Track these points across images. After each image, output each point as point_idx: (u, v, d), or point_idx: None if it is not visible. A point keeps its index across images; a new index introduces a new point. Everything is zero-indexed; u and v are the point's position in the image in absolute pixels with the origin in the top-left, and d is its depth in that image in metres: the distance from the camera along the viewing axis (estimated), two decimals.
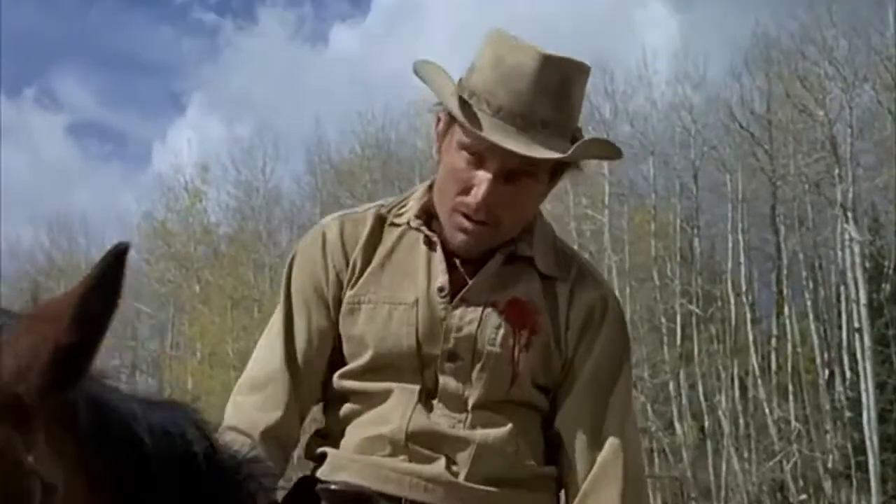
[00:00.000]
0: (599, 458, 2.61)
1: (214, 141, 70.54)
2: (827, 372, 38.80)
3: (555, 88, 2.50)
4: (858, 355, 35.70)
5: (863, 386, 34.81)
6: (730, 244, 41.60)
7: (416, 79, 2.63)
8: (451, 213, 2.59)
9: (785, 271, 40.81)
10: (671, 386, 39.23)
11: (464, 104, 2.48)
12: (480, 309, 2.59)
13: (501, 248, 2.63)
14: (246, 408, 2.65)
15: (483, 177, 2.50)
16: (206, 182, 47.38)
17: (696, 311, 41.30)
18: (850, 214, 36.26)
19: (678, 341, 40.24)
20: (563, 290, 2.68)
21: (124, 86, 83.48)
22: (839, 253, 38.27)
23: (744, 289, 41.33)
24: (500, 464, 2.57)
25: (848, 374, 37.63)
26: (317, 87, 61.74)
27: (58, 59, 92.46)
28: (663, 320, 40.53)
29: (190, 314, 47.34)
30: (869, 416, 34.16)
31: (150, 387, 52.00)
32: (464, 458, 2.56)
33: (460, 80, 2.58)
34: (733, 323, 41.27)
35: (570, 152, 2.48)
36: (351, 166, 45.70)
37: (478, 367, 2.58)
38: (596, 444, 2.62)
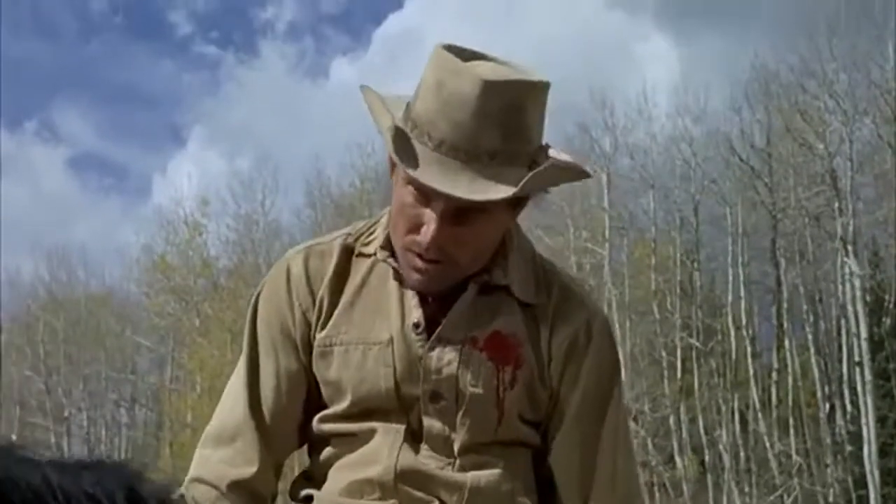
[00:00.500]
0: (593, 493, 2.50)
1: (215, 174, 70.58)
2: (828, 406, 38.71)
3: (502, 115, 2.25)
4: (859, 389, 35.60)
5: (864, 420, 34.70)
6: (730, 277, 41.57)
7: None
8: (403, 251, 2.40)
9: (785, 305, 40.75)
10: (671, 420, 39.11)
11: (401, 139, 2.28)
12: (459, 347, 2.41)
13: (474, 278, 2.44)
14: (213, 462, 2.47)
15: (430, 216, 2.31)
16: (206, 215, 47.37)
17: (697, 344, 41.23)
18: (850, 248, 36.22)
19: (678, 375, 40.16)
20: (544, 317, 2.49)
21: (125, 119, 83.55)
22: (840, 286, 38.21)
23: (744, 322, 41.29)
24: None
25: (849, 407, 37.52)
26: (317, 121, 61.81)
27: (58, 91, 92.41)
28: (663, 354, 40.47)
29: (189, 347, 47.20)
30: (870, 450, 34.02)
31: (150, 420, 52.11)
32: (456, 501, 2.41)
33: (408, 104, 2.36)
34: (734, 356, 41.20)
35: (520, 185, 2.25)
36: (351, 200, 45.65)
37: (462, 409, 2.41)
38: (587, 481, 2.51)
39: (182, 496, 2.29)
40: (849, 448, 36.96)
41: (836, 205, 36.74)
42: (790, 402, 39.98)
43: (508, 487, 2.45)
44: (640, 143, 42.39)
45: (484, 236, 2.40)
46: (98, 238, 74.19)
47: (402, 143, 2.29)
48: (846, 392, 37.72)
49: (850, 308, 36.94)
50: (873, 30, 37.93)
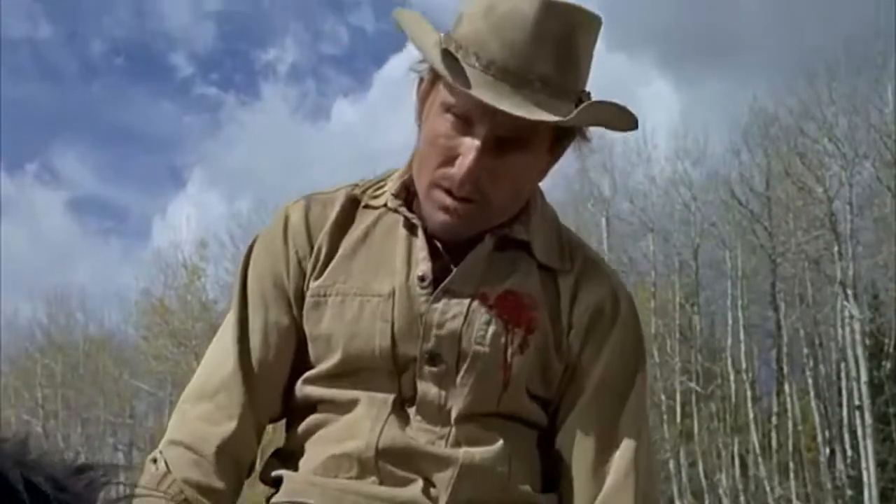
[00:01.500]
0: (607, 486, 2.19)
1: (215, 216, 70.77)
2: (828, 450, 38.62)
3: (557, 40, 2.05)
4: (859, 433, 35.54)
5: (864, 464, 34.63)
6: (730, 321, 41.52)
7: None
8: (430, 188, 2.15)
9: (785, 349, 40.70)
10: (671, 464, 38.99)
11: (448, 57, 2.05)
12: (467, 302, 2.16)
13: (492, 231, 2.20)
14: (192, 419, 2.22)
15: (470, 144, 2.07)
16: (205, 258, 47.38)
17: (697, 388, 41.16)
18: (850, 292, 36.23)
19: (678, 419, 40.06)
20: (566, 284, 2.24)
21: (125, 161, 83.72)
22: (839, 330, 38.19)
23: (744, 366, 41.22)
24: (488, 487, 2.14)
25: (849, 452, 37.45)
26: (318, 163, 61.86)
27: (59, 133, 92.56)
28: (663, 398, 40.37)
29: None
30: (870, 495, 33.93)
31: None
32: (444, 479, 2.13)
33: (447, 32, 2.14)
34: (733, 400, 41.12)
35: (572, 115, 2.03)
36: None
37: (463, 370, 2.14)
38: (603, 468, 2.19)
39: (155, 461, 2.19)
40: (849, 493, 36.86)
41: (836, 248, 36.77)
42: (790, 447, 39.87)
43: (505, 469, 2.17)
44: (639, 186, 42.49)
45: (522, 175, 2.16)
46: (97, 281, 74.26)
47: (450, 63, 2.05)
48: (846, 436, 37.65)
49: (850, 352, 36.91)
50: (873, 73, 38.09)
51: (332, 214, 2.29)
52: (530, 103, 2.03)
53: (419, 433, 2.15)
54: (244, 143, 74.40)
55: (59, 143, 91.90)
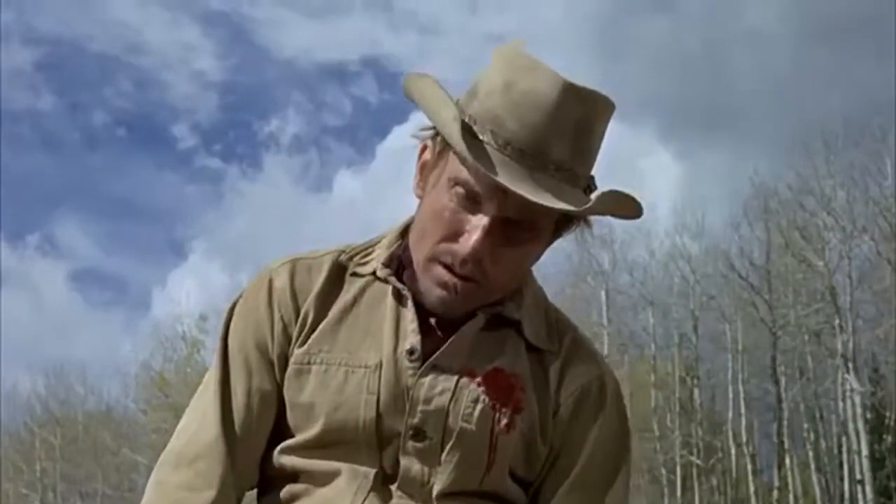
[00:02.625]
0: None
1: (216, 288, 70.49)
2: None
3: (575, 125, 2.00)
4: None
5: None
6: (730, 394, 41.45)
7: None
8: (430, 262, 2.08)
9: (786, 422, 40.58)
10: None
11: (468, 134, 1.97)
12: (455, 378, 2.07)
13: (484, 308, 2.12)
14: (172, 487, 2.13)
15: (476, 223, 2.00)
16: (205, 331, 47.32)
17: (697, 462, 41.02)
18: (850, 365, 36.18)
19: (679, 493, 39.89)
20: (554, 366, 2.18)
21: (126, 232, 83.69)
22: (840, 403, 38.11)
23: (745, 439, 41.11)
24: None
25: None
26: (320, 234, 61.91)
27: (60, 204, 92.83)
28: (664, 471, 40.23)
29: None
30: None
31: None
32: None
33: (457, 101, 2.06)
34: (734, 474, 40.98)
35: (589, 205, 1.98)
36: None
37: (448, 447, 2.06)
38: None
39: None
40: None
41: (836, 321, 36.77)
42: None
43: None
44: (638, 259, 42.55)
45: (523, 259, 2.11)
46: (97, 353, 74.23)
47: (467, 137, 1.97)
48: None
49: (850, 425, 36.81)
50: (871, 146, 38.28)
51: (319, 280, 2.20)
52: (544, 188, 1.96)
53: None
54: (246, 215, 74.56)
55: (61, 214, 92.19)
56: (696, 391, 42.74)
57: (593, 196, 2.00)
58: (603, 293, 41.36)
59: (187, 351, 47.22)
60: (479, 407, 2.07)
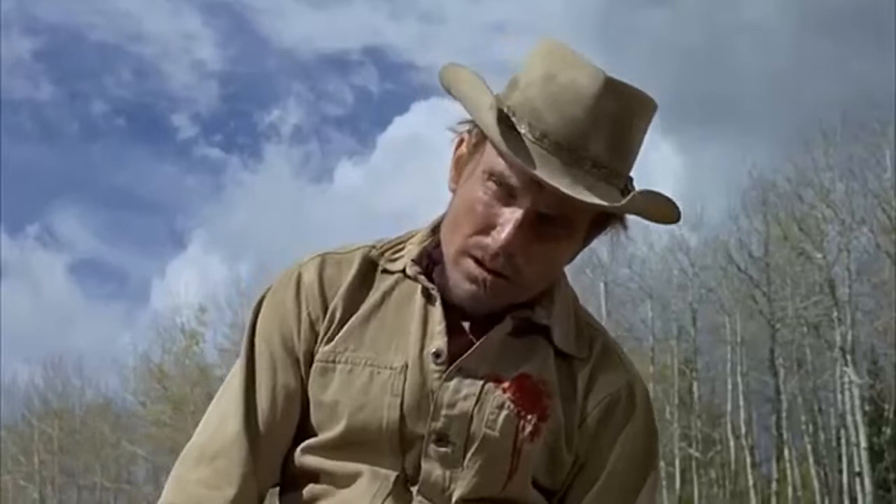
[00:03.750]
0: None
1: (215, 279, 70.75)
2: None
3: (614, 121, 1.96)
4: (860, 499, 35.42)
5: None
6: (729, 387, 41.47)
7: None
8: (460, 256, 2.03)
9: (784, 414, 40.59)
10: None
11: (505, 124, 1.93)
12: (480, 383, 2.03)
13: (513, 312, 2.07)
14: (191, 482, 2.10)
15: (510, 216, 1.96)
16: (203, 324, 47.35)
17: (696, 454, 41.06)
18: (849, 357, 36.20)
19: (678, 485, 39.93)
20: (583, 373, 2.12)
21: (126, 223, 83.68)
22: (839, 396, 38.14)
23: (743, 432, 41.13)
24: None
25: None
26: (320, 225, 61.58)
27: (59, 195, 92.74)
28: (662, 464, 40.20)
29: None
30: None
31: None
32: None
33: (497, 94, 2.01)
34: (733, 467, 41.02)
35: (624, 202, 1.93)
36: None
37: (470, 453, 2.02)
38: None
39: None
40: None
41: (835, 314, 36.79)
42: None
43: None
44: (637, 252, 42.54)
45: (556, 257, 2.06)
46: (97, 344, 74.18)
47: (507, 129, 1.93)
48: (846, 503, 37.45)
49: (849, 418, 36.84)
50: (870, 139, 38.25)
51: (348, 277, 2.15)
52: (580, 184, 1.92)
53: None
54: (246, 206, 74.37)
55: (60, 205, 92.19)
56: (694, 383, 42.77)
57: (632, 195, 1.94)
58: (602, 286, 41.39)
59: (186, 343, 47.18)
60: (503, 413, 2.03)
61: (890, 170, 37.22)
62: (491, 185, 1.98)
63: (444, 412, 2.03)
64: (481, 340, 2.05)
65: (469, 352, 2.04)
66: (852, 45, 59.34)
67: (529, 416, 2.04)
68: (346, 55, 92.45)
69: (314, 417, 2.12)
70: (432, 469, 2.04)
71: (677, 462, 40.21)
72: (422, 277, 2.11)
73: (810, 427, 40.52)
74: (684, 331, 42.94)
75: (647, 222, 2.05)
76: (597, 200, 1.90)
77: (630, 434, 2.15)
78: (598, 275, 41.77)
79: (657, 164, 57.55)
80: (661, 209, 2.00)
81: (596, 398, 2.12)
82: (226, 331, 47.34)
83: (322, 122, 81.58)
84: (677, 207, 2.00)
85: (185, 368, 46.89)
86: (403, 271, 2.14)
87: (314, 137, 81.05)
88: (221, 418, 2.15)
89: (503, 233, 1.95)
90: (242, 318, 47.72)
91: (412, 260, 2.13)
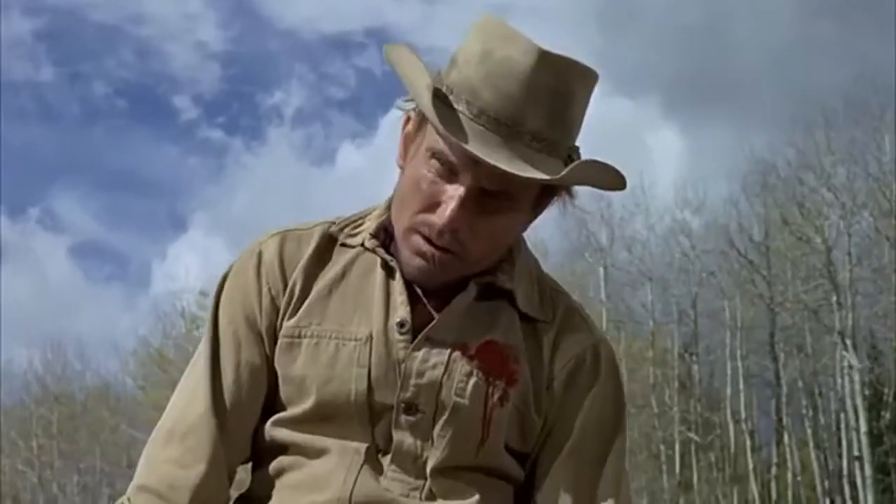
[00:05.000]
0: None
1: (216, 263, 70.55)
2: (828, 501, 38.53)
3: (551, 94, 1.98)
4: (859, 484, 35.48)
5: None
6: (729, 371, 41.51)
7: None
8: (408, 233, 2.07)
9: (784, 398, 40.67)
10: None
11: (439, 102, 1.97)
12: (448, 351, 2.07)
13: (476, 278, 2.11)
14: (161, 462, 2.13)
15: (453, 193, 2.00)
16: (204, 308, 47.31)
17: (696, 438, 41.11)
18: (849, 341, 36.23)
19: (677, 469, 39.98)
20: (548, 335, 2.17)
21: (128, 205, 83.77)
22: (839, 380, 38.18)
23: (743, 416, 41.20)
24: None
25: (849, 502, 37.30)
26: (323, 208, 61.42)
27: (60, 177, 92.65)
28: (662, 448, 40.32)
29: None
30: None
31: None
32: None
33: (438, 72, 2.05)
34: (733, 451, 41.07)
35: (562, 174, 1.95)
36: None
37: (441, 422, 2.06)
38: None
39: None
40: None
41: (835, 298, 36.80)
42: (790, 498, 39.79)
43: None
44: (637, 235, 42.54)
45: (502, 230, 2.09)
46: (97, 329, 74.12)
47: (441, 108, 1.96)
48: (846, 487, 37.53)
49: (849, 402, 36.88)
50: (871, 123, 38.23)
51: (308, 251, 2.20)
52: (520, 158, 1.95)
53: (393, 483, 2.07)
54: (248, 188, 74.38)
55: (62, 188, 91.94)
56: (694, 367, 42.82)
57: (570, 166, 1.97)
58: (601, 269, 41.38)
59: (186, 327, 47.24)
60: (472, 381, 2.06)
61: (890, 154, 37.23)
62: (434, 162, 2.02)
63: (412, 382, 2.06)
64: (446, 309, 2.09)
65: (435, 321, 2.08)
66: (854, 27, 59.31)
67: (498, 382, 2.08)
68: (349, 36, 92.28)
69: (283, 392, 2.15)
70: (403, 439, 2.07)
71: (677, 446, 40.25)
72: (380, 250, 2.15)
73: (810, 411, 40.57)
74: (684, 315, 42.99)
75: (615, 196, 2.05)
76: (533, 174, 1.94)
77: (597, 396, 2.17)
78: (597, 258, 41.76)
79: (659, 147, 57.63)
80: (604, 177, 2.04)
81: (561, 361, 2.16)
82: None
83: (325, 104, 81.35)
84: (620, 174, 2.02)
85: (185, 353, 46.90)
86: (363, 245, 2.17)
87: (317, 119, 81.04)
88: (189, 397, 2.18)
89: (447, 210, 1.99)
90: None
91: (370, 234, 2.17)
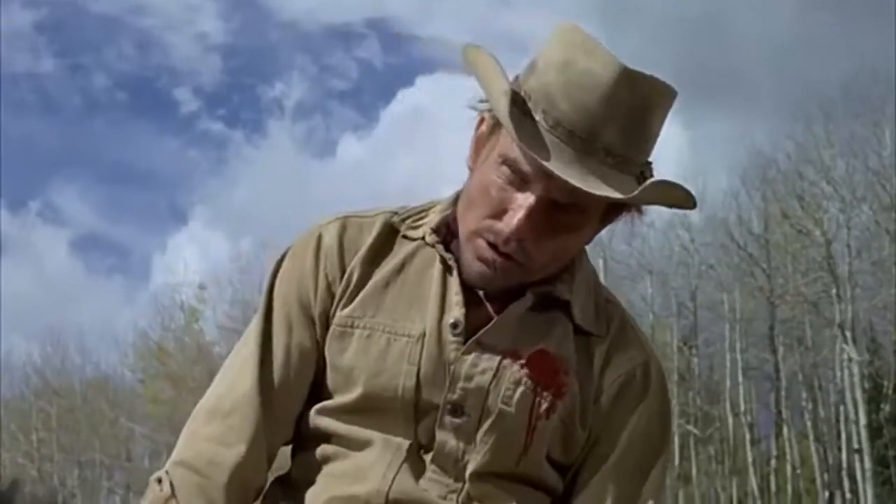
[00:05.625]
0: None
1: (216, 255, 70.66)
2: (827, 493, 38.54)
3: (628, 110, 1.96)
4: (858, 477, 35.49)
5: None
6: (728, 364, 41.52)
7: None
8: (473, 237, 2.05)
9: (784, 391, 40.69)
10: None
11: (516, 112, 1.94)
12: (498, 358, 2.06)
13: (534, 286, 2.09)
14: (202, 438, 2.13)
15: (522, 202, 1.97)
16: (203, 301, 47.34)
17: (695, 431, 41.13)
18: (848, 334, 36.23)
19: (676, 462, 39.96)
20: (600, 350, 2.15)
21: (128, 198, 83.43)
22: (838, 373, 38.19)
23: (742, 409, 41.21)
24: None
25: (848, 495, 37.35)
26: (323, 200, 61.40)
27: (61, 170, 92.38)
28: None
29: None
30: None
31: None
32: None
33: (516, 77, 2.03)
34: (732, 443, 41.09)
35: (636, 192, 1.93)
36: None
37: (485, 427, 2.05)
38: None
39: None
40: None
41: (835, 291, 36.80)
42: (789, 490, 39.82)
43: None
44: (636, 228, 42.45)
45: (567, 243, 2.07)
46: (97, 321, 74.10)
47: (518, 114, 1.94)
48: (845, 480, 37.56)
49: (848, 395, 36.88)
50: (871, 116, 38.21)
51: (368, 240, 2.18)
52: (592, 174, 1.93)
53: (432, 484, 2.07)
54: (248, 181, 74.26)
55: (62, 180, 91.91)
56: (693, 360, 42.84)
57: (643, 185, 1.95)
58: (601, 262, 41.38)
59: (186, 320, 47.22)
60: (520, 389, 2.05)
61: (890, 147, 37.21)
62: (505, 169, 1.99)
63: (460, 385, 2.05)
64: (501, 315, 2.08)
65: (488, 326, 2.06)
66: (853, 21, 59.29)
67: (546, 393, 2.06)
68: (350, 27, 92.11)
69: (330, 380, 2.15)
70: (447, 440, 2.06)
71: (676, 439, 40.20)
72: (440, 247, 2.13)
73: (809, 404, 40.59)
74: (684, 307, 43.00)
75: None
76: (607, 192, 1.91)
77: (644, 412, 2.16)
78: (597, 251, 41.74)
79: (664, 141, 57.61)
80: (674, 197, 2.01)
81: (612, 376, 2.14)
82: (226, 308, 47.38)
83: (326, 96, 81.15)
84: (690, 194, 2.01)
85: (184, 346, 46.94)
86: (423, 239, 2.16)
87: (318, 112, 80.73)
88: (235, 375, 2.17)
89: (515, 218, 1.97)
90: (243, 295, 47.80)
91: (431, 229, 2.15)
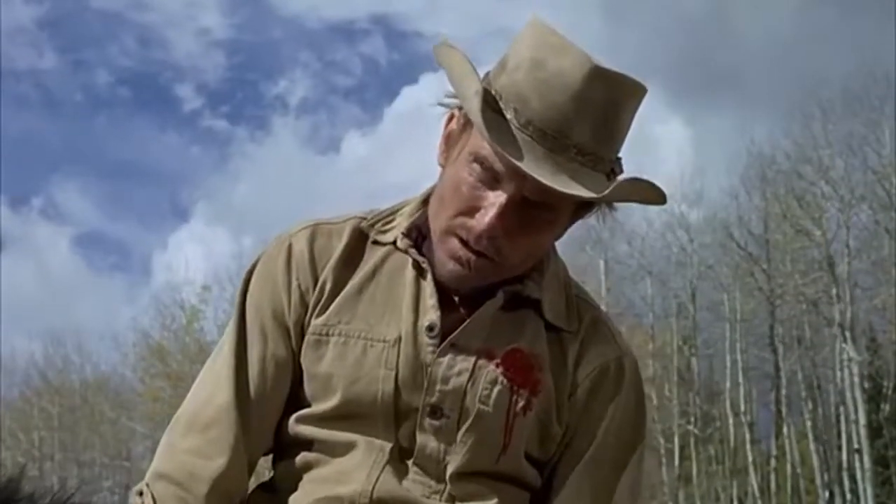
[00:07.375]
0: None
1: (219, 253, 70.41)
2: (827, 493, 38.51)
3: (599, 109, 1.97)
4: (858, 476, 35.50)
5: None
6: (728, 364, 41.49)
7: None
8: (445, 235, 2.06)
9: (784, 391, 40.64)
10: None
11: (488, 112, 1.95)
12: (473, 358, 2.08)
13: (505, 286, 2.11)
14: (181, 451, 2.13)
15: (494, 200, 1.99)
16: (204, 300, 47.25)
17: (695, 431, 41.13)
18: (848, 334, 36.24)
19: (676, 462, 40.00)
20: (573, 345, 2.16)
21: (130, 195, 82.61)
22: (838, 373, 38.17)
23: (742, 409, 41.17)
24: None
25: (848, 495, 37.33)
26: (327, 198, 61.23)
27: (62, 167, 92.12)
28: (661, 441, 40.31)
29: None
30: None
31: None
32: None
33: (487, 74, 2.04)
34: (732, 443, 41.07)
35: (606, 192, 1.95)
36: None
37: (464, 427, 2.07)
38: None
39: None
40: None
41: (834, 291, 36.81)
42: (789, 490, 39.81)
43: None
44: (637, 228, 42.49)
45: (539, 240, 2.09)
46: (98, 320, 73.89)
47: (489, 113, 1.96)
48: (845, 479, 37.54)
49: (848, 394, 36.89)
50: (869, 115, 38.18)
51: (339, 247, 2.19)
52: (563, 172, 1.95)
53: (415, 485, 2.09)
54: (251, 178, 73.98)
55: (64, 177, 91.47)
56: (693, 360, 42.80)
57: (614, 183, 1.98)
58: (601, 262, 41.40)
59: (186, 320, 47.17)
60: (496, 389, 2.08)
61: (889, 146, 37.20)
62: (476, 167, 2.01)
63: (438, 387, 2.07)
64: (474, 315, 2.10)
65: (462, 327, 2.09)
66: (854, 18, 59.29)
67: (522, 391, 2.09)
68: (354, 24, 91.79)
69: (308, 388, 2.16)
70: (427, 441, 2.09)
71: (676, 439, 40.27)
72: (412, 251, 2.14)
73: (809, 404, 40.55)
74: (684, 308, 42.94)
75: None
76: (577, 190, 1.94)
77: (619, 406, 2.18)
78: (597, 251, 41.78)
79: (664, 139, 57.45)
80: (645, 194, 2.04)
81: (585, 370, 2.17)
82: (227, 307, 47.25)
83: (329, 93, 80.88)
84: (661, 192, 2.03)
85: (185, 345, 46.88)
86: (394, 243, 2.17)
87: (321, 108, 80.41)
88: (212, 387, 2.18)
89: (487, 216, 2.00)
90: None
91: (402, 233, 2.16)
